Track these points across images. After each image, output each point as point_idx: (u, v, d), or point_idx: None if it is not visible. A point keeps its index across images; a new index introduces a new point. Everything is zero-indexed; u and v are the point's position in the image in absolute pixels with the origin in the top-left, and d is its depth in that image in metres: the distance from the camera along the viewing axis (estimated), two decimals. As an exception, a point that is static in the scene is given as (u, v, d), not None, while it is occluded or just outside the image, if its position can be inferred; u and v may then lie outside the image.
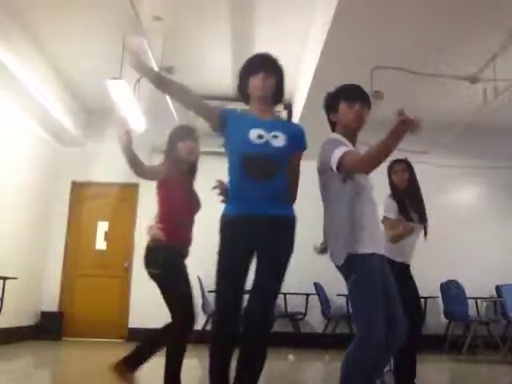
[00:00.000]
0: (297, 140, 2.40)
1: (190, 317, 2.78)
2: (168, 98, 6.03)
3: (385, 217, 3.35)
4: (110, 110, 6.42)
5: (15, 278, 5.59)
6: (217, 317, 2.44)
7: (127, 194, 7.49)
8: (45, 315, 6.97)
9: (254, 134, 2.29)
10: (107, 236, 7.49)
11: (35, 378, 4.27)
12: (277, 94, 2.45)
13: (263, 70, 2.37)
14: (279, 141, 2.31)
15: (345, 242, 2.16)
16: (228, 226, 2.34)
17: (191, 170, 3.05)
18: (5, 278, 5.36)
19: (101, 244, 7.48)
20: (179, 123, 6.70)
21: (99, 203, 7.50)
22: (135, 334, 6.89)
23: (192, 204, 2.97)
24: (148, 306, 7.33)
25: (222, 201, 2.46)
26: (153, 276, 2.83)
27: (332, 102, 2.38)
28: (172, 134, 3.01)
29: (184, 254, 2.94)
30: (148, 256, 2.82)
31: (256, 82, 2.37)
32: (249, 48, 5.73)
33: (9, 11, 4.99)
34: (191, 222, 2.97)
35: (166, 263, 2.80)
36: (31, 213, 6.74)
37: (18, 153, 6.28)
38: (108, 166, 7.27)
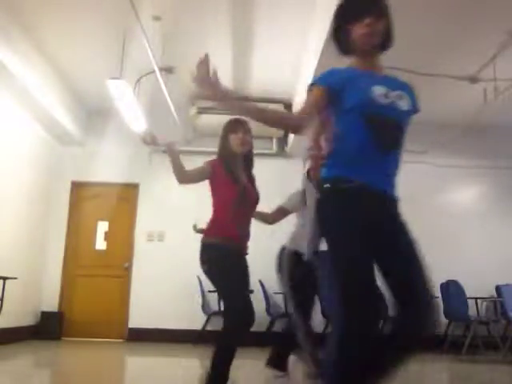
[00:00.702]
0: (414, 100, 1.95)
1: (239, 315, 2.71)
2: (168, 97, 6.05)
3: None
4: (110, 110, 6.42)
5: (15, 278, 5.59)
6: (353, 321, 1.70)
7: (127, 194, 7.49)
8: (45, 315, 6.97)
9: (379, 91, 1.83)
10: (107, 236, 7.49)
11: (35, 378, 4.26)
12: (386, 38, 1.93)
13: (369, 14, 1.85)
14: (405, 102, 1.87)
15: None
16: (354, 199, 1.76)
17: (247, 164, 2.99)
18: (5, 278, 5.36)
19: (101, 244, 7.48)
20: (179, 123, 6.74)
21: (99, 203, 7.50)
22: (135, 334, 6.90)
23: (245, 198, 2.86)
24: (148, 306, 7.35)
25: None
26: (204, 272, 2.84)
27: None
28: (224, 127, 3.00)
29: (236, 250, 2.81)
30: (200, 253, 2.83)
31: (363, 30, 1.85)
32: (249, 48, 5.74)
33: (9, 11, 4.99)
34: (243, 217, 2.87)
35: (210, 260, 2.78)
36: (31, 213, 6.74)
37: (17, 153, 6.28)
38: (108, 166, 7.28)
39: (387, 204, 1.82)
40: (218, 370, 2.59)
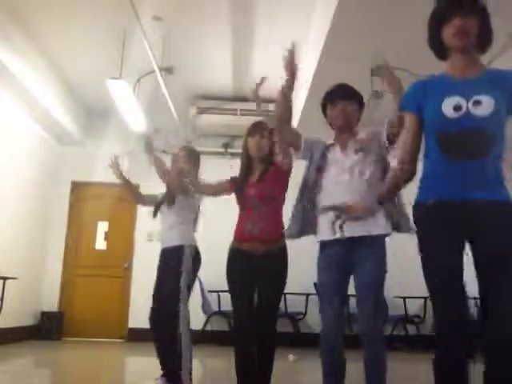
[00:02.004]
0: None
1: (237, 327, 2.78)
2: (168, 97, 6.04)
3: None
4: (110, 110, 6.42)
5: (15, 278, 5.59)
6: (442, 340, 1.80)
7: (127, 194, 7.47)
8: (45, 315, 6.97)
9: (449, 106, 1.82)
10: (107, 236, 7.49)
11: (35, 378, 4.27)
12: (482, 37, 1.93)
13: (458, 12, 1.83)
14: (483, 108, 1.79)
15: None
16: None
17: (263, 167, 2.89)
18: (5, 278, 5.36)
19: (101, 244, 7.48)
20: (179, 123, 6.74)
21: (99, 203, 7.49)
22: (135, 334, 6.90)
23: (253, 201, 2.82)
24: (148, 306, 7.33)
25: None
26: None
27: (323, 108, 2.56)
28: (246, 130, 2.99)
29: (250, 253, 2.75)
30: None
31: (450, 30, 1.85)
32: (249, 48, 5.73)
33: (9, 11, 4.99)
34: (252, 218, 2.79)
35: (228, 263, 2.84)
36: (31, 213, 6.74)
37: (17, 153, 6.28)
38: (108, 166, 7.27)
39: (473, 210, 1.79)
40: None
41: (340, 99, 2.45)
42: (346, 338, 2.38)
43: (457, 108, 1.80)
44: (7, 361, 5.03)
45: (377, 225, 2.26)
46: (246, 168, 2.93)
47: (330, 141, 2.49)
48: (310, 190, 2.42)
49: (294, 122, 6.73)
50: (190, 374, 3.16)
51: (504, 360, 1.69)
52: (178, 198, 3.31)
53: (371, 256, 2.24)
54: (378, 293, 2.23)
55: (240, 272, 2.78)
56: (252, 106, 6.97)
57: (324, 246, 2.37)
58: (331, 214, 2.25)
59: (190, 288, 3.21)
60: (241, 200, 2.88)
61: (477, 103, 1.79)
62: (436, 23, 1.91)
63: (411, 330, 6.89)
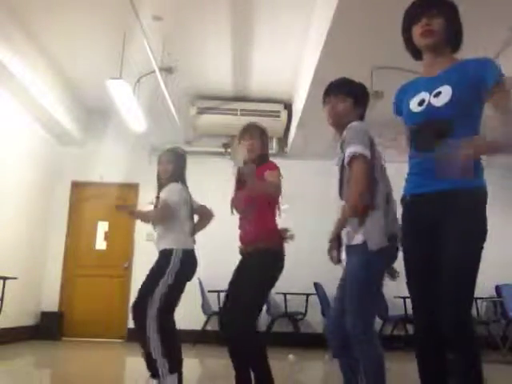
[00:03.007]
0: (478, 77, 1.86)
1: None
2: (168, 97, 6.05)
3: None
4: (110, 110, 6.42)
5: (15, 278, 5.59)
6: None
7: (127, 194, 7.49)
8: (45, 315, 6.97)
9: (414, 102, 1.96)
10: (107, 236, 7.49)
11: (35, 378, 4.27)
12: (450, 35, 1.97)
13: (425, 11, 1.93)
14: (441, 97, 1.87)
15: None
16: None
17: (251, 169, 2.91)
18: (5, 278, 5.36)
19: (101, 244, 7.48)
20: (179, 123, 6.74)
21: (99, 203, 7.49)
22: (135, 334, 6.89)
23: (239, 203, 2.94)
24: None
25: None
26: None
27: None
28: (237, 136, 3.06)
29: (246, 253, 2.90)
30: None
31: (418, 30, 1.96)
32: (249, 48, 5.73)
33: (9, 11, 4.99)
34: (243, 220, 2.92)
35: None
36: (31, 213, 6.74)
37: (17, 152, 6.28)
38: (108, 166, 7.27)
39: (440, 200, 1.84)
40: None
41: (330, 96, 2.35)
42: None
43: (420, 103, 1.92)
44: (7, 361, 5.03)
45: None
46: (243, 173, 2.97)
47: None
48: None
49: (294, 122, 6.75)
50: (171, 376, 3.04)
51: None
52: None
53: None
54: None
55: (235, 270, 2.92)
56: (252, 105, 6.98)
57: None
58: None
59: (174, 290, 3.13)
60: (237, 203, 2.98)
61: (437, 94, 1.88)
62: (407, 24, 2.01)
63: (411, 330, 6.89)
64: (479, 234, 1.80)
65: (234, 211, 2.97)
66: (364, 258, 2.17)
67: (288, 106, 7.09)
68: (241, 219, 2.94)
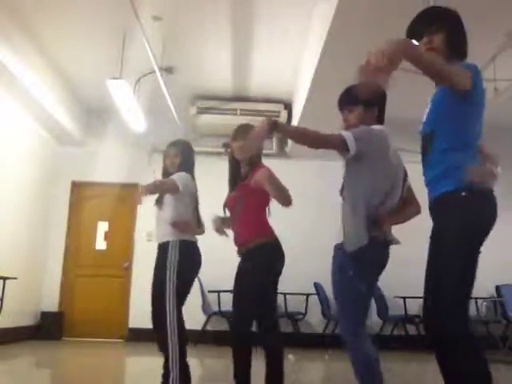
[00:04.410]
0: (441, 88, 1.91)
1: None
2: (168, 97, 6.05)
3: None
4: (110, 110, 6.42)
5: (15, 278, 5.59)
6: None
7: (127, 194, 7.48)
8: (45, 315, 6.97)
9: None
10: (107, 236, 7.49)
11: (35, 378, 4.27)
12: (453, 47, 1.98)
13: (423, 32, 2.01)
14: (427, 110, 1.97)
15: None
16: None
17: (246, 170, 2.96)
18: (5, 278, 5.36)
19: (101, 244, 7.48)
20: (179, 123, 6.74)
21: (99, 203, 7.49)
22: (135, 334, 6.89)
23: (233, 203, 2.95)
24: (148, 306, 7.33)
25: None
26: None
27: None
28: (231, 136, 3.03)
29: (241, 253, 2.91)
30: None
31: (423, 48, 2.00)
32: (249, 48, 5.73)
33: (9, 11, 4.99)
34: (234, 221, 2.95)
35: None
36: (31, 213, 6.74)
37: (17, 152, 6.28)
38: (108, 166, 7.27)
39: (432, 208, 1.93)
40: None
41: (341, 109, 2.39)
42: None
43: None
44: (7, 361, 5.03)
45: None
46: (233, 172, 3.02)
47: None
48: None
49: (294, 121, 6.75)
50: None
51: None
52: (165, 198, 3.27)
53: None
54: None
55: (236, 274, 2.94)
56: (252, 105, 6.99)
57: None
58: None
59: (179, 283, 3.07)
60: (230, 204, 2.99)
61: (428, 106, 1.96)
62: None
63: (411, 330, 6.89)
64: (453, 233, 1.81)
65: (226, 211, 3.00)
66: (339, 259, 2.22)
67: (288, 106, 7.09)
68: (233, 218, 2.95)
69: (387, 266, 2.31)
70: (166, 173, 3.36)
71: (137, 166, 7.34)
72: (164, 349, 3.10)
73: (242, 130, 2.90)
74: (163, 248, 3.17)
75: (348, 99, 2.36)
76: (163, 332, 3.07)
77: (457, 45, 1.99)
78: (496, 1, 4.14)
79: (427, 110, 1.95)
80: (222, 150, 7.45)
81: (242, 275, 2.84)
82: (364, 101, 2.30)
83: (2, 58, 4.95)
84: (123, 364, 5.62)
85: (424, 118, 1.96)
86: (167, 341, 3.02)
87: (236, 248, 2.94)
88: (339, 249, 2.23)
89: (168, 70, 5.98)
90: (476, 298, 6.85)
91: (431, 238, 1.89)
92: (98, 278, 7.27)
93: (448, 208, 1.83)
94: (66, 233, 7.40)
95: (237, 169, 2.99)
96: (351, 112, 2.33)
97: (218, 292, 6.32)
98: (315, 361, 5.89)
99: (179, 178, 3.19)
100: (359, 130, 2.21)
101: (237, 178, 2.98)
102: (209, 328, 6.73)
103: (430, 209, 1.91)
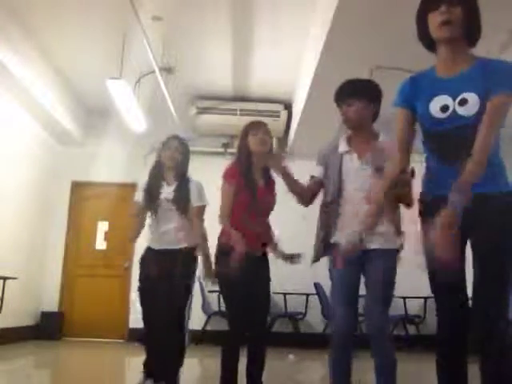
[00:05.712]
0: (495, 81, 1.68)
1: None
2: (168, 97, 6.05)
3: None
4: (110, 110, 6.42)
5: (15, 278, 5.59)
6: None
7: (127, 194, 7.47)
8: (45, 315, 6.97)
9: (435, 106, 1.78)
10: (107, 236, 7.49)
11: (35, 378, 4.27)
12: (470, 29, 1.76)
13: (443, 1, 1.72)
14: (468, 107, 1.71)
15: None
16: None
17: (266, 168, 2.95)
18: (5, 278, 5.36)
19: (101, 244, 7.48)
20: (179, 123, 6.74)
21: (99, 203, 7.49)
22: (135, 334, 6.88)
23: (256, 202, 2.87)
24: (148, 306, 7.34)
25: None
26: None
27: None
28: (244, 128, 2.97)
29: (248, 257, 2.79)
30: None
31: (435, 19, 1.75)
32: (249, 48, 5.73)
33: (9, 11, 4.99)
34: (255, 222, 2.88)
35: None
36: (31, 213, 6.74)
37: (17, 153, 6.27)
38: (108, 166, 7.27)
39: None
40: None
41: (353, 99, 2.31)
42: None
43: (444, 108, 1.76)
44: (7, 361, 5.03)
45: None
46: (249, 167, 2.91)
47: (344, 147, 2.41)
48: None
49: (294, 122, 6.75)
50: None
51: (484, 359, 1.76)
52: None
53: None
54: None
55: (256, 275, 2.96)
56: (252, 105, 6.98)
57: None
58: None
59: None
60: (251, 203, 2.88)
61: (463, 102, 1.73)
62: (423, 10, 1.83)
63: (411, 329, 6.89)
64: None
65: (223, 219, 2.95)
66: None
67: (288, 106, 7.08)
68: (254, 220, 2.86)
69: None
70: (159, 166, 3.32)
71: (137, 165, 7.34)
72: (164, 349, 3.12)
73: (262, 124, 2.94)
74: (187, 253, 3.18)
75: (368, 93, 2.35)
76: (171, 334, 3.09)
77: (474, 27, 1.77)
78: None
79: (468, 98, 1.73)
80: (222, 149, 7.47)
81: (266, 279, 2.95)
82: (374, 99, 2.33)
83: (1, 58, 4.95)
84: (123, 364, 5.62)
85: (466, 109, 1.74)
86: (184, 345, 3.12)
87: (254, 250, 2.84)
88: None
89: (168, 70, 5.98)
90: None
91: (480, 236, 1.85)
92: (98, 278, 7.27)
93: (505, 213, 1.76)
94: (65, 233, 7.40)
95: (250, 165, 2.92)
96: (367, 106, 2.32)
97: (218, 292, 6.32)
98: (315, 361, 5.89)
99: (202, 195, 3.35)
100: None
101: (249, 176, 2.91)
102: (209, 328, 6.72)
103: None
